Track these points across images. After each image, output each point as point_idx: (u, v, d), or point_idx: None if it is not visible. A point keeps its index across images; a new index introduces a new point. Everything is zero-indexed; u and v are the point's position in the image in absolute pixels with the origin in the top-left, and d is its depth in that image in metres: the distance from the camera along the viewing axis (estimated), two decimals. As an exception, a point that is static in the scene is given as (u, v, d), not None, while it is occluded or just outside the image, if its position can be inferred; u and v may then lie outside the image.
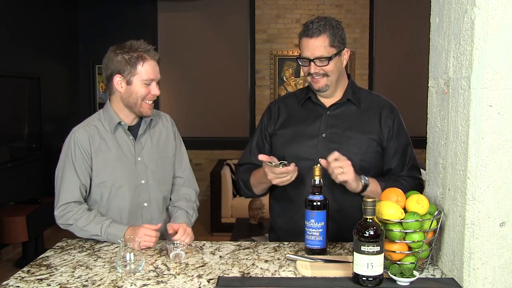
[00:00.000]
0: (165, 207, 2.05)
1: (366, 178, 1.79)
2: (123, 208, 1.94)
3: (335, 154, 1.71)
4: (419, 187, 1.86)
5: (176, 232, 1.79)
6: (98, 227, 1.82)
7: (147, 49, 1.88)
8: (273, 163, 1.73)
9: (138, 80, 1.86)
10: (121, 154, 1.93)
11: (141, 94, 1.87)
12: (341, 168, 1.69)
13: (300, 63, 1.88)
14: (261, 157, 1.76)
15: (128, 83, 1.86)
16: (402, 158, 1.90)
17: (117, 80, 1.87)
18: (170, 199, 2.08)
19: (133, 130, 1.97)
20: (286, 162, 1.74)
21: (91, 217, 1.85)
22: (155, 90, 1.89)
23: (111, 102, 1.94)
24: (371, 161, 1.87)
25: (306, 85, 2.02)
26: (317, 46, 1.81)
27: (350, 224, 1.82)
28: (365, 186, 1.78)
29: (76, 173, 1.88)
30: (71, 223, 1.85)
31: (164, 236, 2.03)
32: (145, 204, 1.97)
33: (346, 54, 1.89)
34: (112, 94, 1.93)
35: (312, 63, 1.83)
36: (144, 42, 1.90)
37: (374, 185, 1.81)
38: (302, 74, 6.42)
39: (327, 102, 1.94)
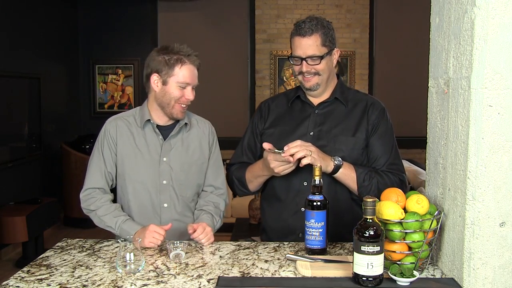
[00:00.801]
0: (187, 212, 2.02)
1: (340, 159, 1.80)
2: (143, 205, 1.97)
3: (298, 142, 1.73)
4: (399, 184, 1.84)
5: (195, 232, 1.79)
6: (114, 221, 1.87)
7: (188, 53, 1.91)
8: (277, 151, 1.74)
9: (174, 82, 1.89)
10: (146, 151, 1.96)
11: (174, 96, 1.90)
12: (310, 151, 1.72)
13: (292, 62, 1.91)
14: (265, 145, 1.77)
15: (164, 83, 1.90)
16: (382, 154, 1.90)
17: (154, 79, 1.92)
18: (197, 203, 2.07)
19: (165, 131, 1.98)
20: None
21: (111, 209, 1.91)
22: (189, 94, 1.92)
23: (148, 100, 2.00)
24: (358, 158, 1.88)
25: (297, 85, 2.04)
26: (310, 45, 1.83)
27: (342, 222, 1.83)
28: (337, 167, 1.79)
29: (103, 159, 1.96)
30: (93, 209, 1.92)
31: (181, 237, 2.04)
32: (165, 205, 1.98)
33: (336, 54, 1.91)
34: (149, 92, 1.98)
35: (304, 62, 1.85)
36: (187, 47, 1.93)
37: (348, 169, 1.82)
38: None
39: (316, 101, 1.96)
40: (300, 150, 1.70)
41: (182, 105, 1.93)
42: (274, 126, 1.99)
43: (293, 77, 6.47)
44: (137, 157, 1.95)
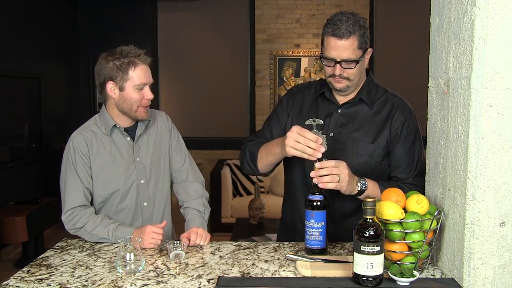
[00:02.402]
0: (166, 205, 2.08)
1: (365, 184, 1.70)
2: (124, 208, 1.97)
3: (332, 162, 1.62)
4: None
5: (190, 240, 1.80)
6: (105, 231, 1.84)
7: (138, 53, 1.89)
8: (318, 131, 1.61)
9: (131, 86, 1.87)
10: (119, 155, 1.95)
11: (135, 100, 1.89)
12: (338, 175, 1.61)
13: (324, 63, 1.78)
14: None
15: (121, 89, 1.88)
16: (408, 164, 1.81)
17: (110, 86, 1.89)
18: (179, 199, 2.11)
19: (130, 131, 1.99)
20: (323, 134, 1.62)
21: (98, 221, 1.86)
22: (148, 94, 1.91)
23: (107, 108, 1.97)
24: (376, 166, 1.81)
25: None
26: (346, 48, 1.70)
27: (342, 224, 1.82)
28: (361, 192, 1.70)
29: (79, 178, 1.91)
30: (80, 226, 1.87)
31: (170, 236, 2.05)
32: (145, 204, 2.00)
33: (368, 54, 1.80)
34: (106, 100, 1.95)
35: (338, 65, 1.73)
36: (135, 47, 1.90)
37: (372, 190, 1.72)
38: (302, 74, 6.41)
39: (341, 99, 1.87)
40: (330, 175, 1.59)
41: (145, 106, 1.92)
42: (296, 119, 1.89)
43: (293, 77, 6.46)
44: (112, 164, 1.94)
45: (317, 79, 2.04)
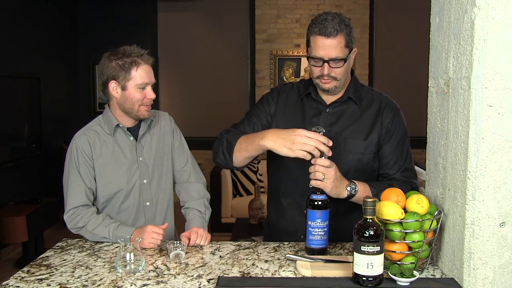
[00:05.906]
0: (169, 205, 2.08)
1: (356, 188, 1.71)
2: (127, 208, 1.98)
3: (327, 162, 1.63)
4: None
5: (190, 240, 1.81)
6: (106, 230, 1.84)
7: (140, 53, 1.90)
8: (318, 129, 1.63)
9: (133, 85, 1.88)
10: (122, 155, 1.96)
11: (137, 99, 1.90)
12: (323, 174, 1.62)
13: (312, 63, 1.77)
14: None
15: (123, 88, 1.89)
16: (396, 160, 1.84)
17: (113, 86, 1.90)
18: (181, 200, 2.12)
19: (133, 131, 2.00)
20: (324, 132, 1.63)
21: (99, 220, 1.87)
22: (150, 93, 1.92)
23: (110, 108, 1.98)
24: (368, 163, 1.83)
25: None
26: (334, 47, 1.71)
27: (343, 222, 1.82)
28: (350, 197, 1.71)
29: (81, 177, 1.92)
30: (81, 225, 1.88)
31: (172, 236, 2.05)
32: (148, 204, 2.01)
33: (354, 54, 1.80)
34: (109, 100, 1.97)
35: (326, 64, 1.73)
36: (137, 47, 1.92)
37: (362, 194, 1.71)
38: (302, 74, 6.41)
39: (328, 99, 1.88)
40: (318, 172, 1.62)
41: (147, 105, 1.93)
42: (282, 121, 1.89)
43: (293, 77, 6.46)
44: (115, 164, 1.95)
45: (299, 80, 2.04)
